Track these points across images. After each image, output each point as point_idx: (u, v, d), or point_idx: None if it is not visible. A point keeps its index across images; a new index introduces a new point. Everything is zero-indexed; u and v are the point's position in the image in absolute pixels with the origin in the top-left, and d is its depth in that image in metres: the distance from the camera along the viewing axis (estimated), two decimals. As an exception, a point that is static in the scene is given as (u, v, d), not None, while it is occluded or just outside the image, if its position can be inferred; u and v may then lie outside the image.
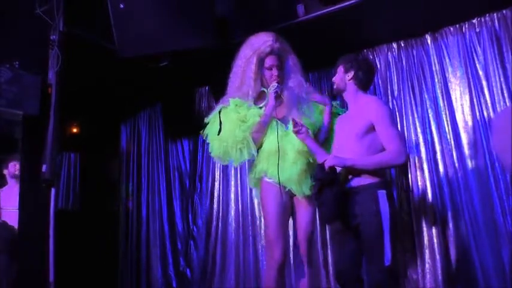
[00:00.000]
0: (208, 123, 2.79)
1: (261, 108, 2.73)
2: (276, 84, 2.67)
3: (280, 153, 2.60)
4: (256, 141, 2.65)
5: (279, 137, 2.62)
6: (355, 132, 2.46)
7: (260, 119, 2.66)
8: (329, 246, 3.81)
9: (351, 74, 2.58)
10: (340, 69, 2.62)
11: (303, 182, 2.63)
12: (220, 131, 2.64)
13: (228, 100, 2.73)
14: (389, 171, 3.62)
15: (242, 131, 2.61)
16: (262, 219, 4.12)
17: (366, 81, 2.63)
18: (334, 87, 2.65)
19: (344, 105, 2.89)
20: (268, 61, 2.73)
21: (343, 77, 2.60)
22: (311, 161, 2.65)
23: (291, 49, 2.84)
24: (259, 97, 2.77)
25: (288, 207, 2.69)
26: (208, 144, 2.75)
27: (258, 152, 2.69)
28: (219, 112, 2.71)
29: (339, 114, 2.85)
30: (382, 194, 2.37)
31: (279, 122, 2.69)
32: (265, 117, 2.67)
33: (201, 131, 2.81)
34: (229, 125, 2.64)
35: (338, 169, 2.44)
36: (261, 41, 2.74)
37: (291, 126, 2.65)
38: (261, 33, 2.82)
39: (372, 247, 2.35)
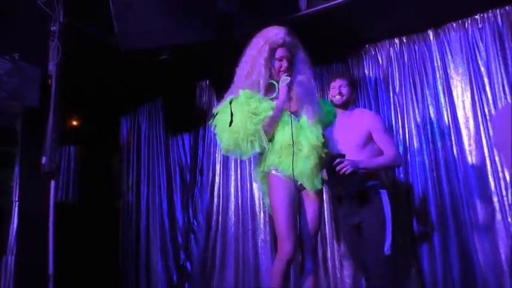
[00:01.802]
0: (217, 113, 2.75)
1: (272, 100, 2.70)
2: (288, 78, 2.66)
3: (294, 146, 2.59)
4: (268, 135, 2.63)
5: (293, 129, 2.61)
6: (355, 144, 2.75)
7: (272, 113, 2.64)
8: (328, 242, 3.82)
9: (354, 95, 2.99)
10: (347, 83, 2.92)
11: (315, 177, 2.63)
12: (231, 122, 2.60)
13: (238, 91, 2.69)
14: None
15: (254, 124, 2.57)
16: (262, 214, 4.17)
17: None
18: (344, 99, 2.91)
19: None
20: (279, 52, 2.73)
21: (350, 95, 2.93)
22: (323, 155, 2.66)
23: (301, 45, 2.84)
24: (268, 89, 2.76)
25: (297, 201, 2.67)
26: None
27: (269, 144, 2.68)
28: (230, 103, 2.67)
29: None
30: (384, 193, 2.71)
31: (291, 116, 2.66)
32: (277, 111, 2.65)
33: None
34: (240, 116, 2.59)
35: None
36: (273, 33, 2.76)
37: (303, 119, 2.69)
38: (273, 26, 2.83)
39: (374, 239, 2.59)
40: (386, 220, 2.62)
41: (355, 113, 2.94)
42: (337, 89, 2.92)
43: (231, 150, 2.67)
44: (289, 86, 2.65)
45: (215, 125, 2.73)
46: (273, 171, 2.66)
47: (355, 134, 2.79)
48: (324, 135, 2.71)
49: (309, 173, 2.60)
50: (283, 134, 2.64)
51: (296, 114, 2.73)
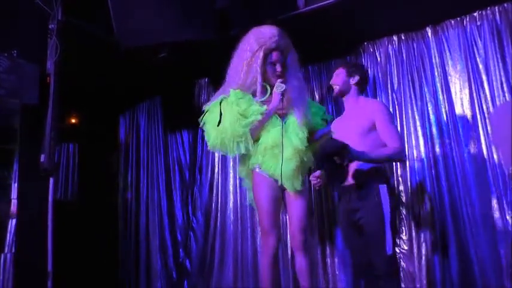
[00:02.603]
0: (207, 111, 2.80)
1: (262, 102, 2.74)
2: (283, 85, 2.69)
3: (277, 148, 2.65)
4: (253, 136, 2.69)
5: (279, 132, 2.66)
6: (357, 131, 2.62)
7: (260, 117, 2.68)
8: (326, 240, 3.82)
9: (356, 78, 2.75)
10: (342, 71, 2.77)
11: (296, 179, 2.68)
12: (220, 122, 2.66)
13: (229, 91, 2.73)
14: (389, 165, 3.63)
15: (242, 126, 2.63)
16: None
17: (365, 85, 2.84)
18: (337, 90, 2.79)
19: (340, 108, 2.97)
20: (273, 56, 2.76)
21: (346, 80, 2.76)
22: (305, 159, 2.70)
23: (292, 45, 2.88)
24: (260, 91, 2.79)
25: (279, 198, 2.75)
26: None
27: (254, 144, 2.72)
28: (220, 102, 2.72)
29: (328, 121, 2.98)
30: (383, 188, 2.56)
31: (279, 118, 2.74)
32: (266, 116, 2.69)
33: (200, 118, 2.83)
34: (229, 117, 2.64)
35: None
36: (267, 36, 2.77)
37: (290, 121, 2.71)
38: (265, 26, 2.85)
39: (375, 237, 2.51)
40: (385, 218, 2.51)
41: (361, 102, 2.78)
42: (333, 80, 2.83)
43: (217, 149, 2.73)
44: (283, 94, 2.68)
45: (204, 123, 2.79)
46: (257, 169, 2.71)
47: (358, 122, 2.66)
48: (308, 139, 2.73)
49: (289, 175, 2.65)
50: (268, 136, 2.70)
51: (284, 115, 2.77)
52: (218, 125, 2.65)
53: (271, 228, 2.65)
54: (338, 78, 2.78)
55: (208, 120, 2.76)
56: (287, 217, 2.86)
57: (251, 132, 2.66)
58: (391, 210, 2.54)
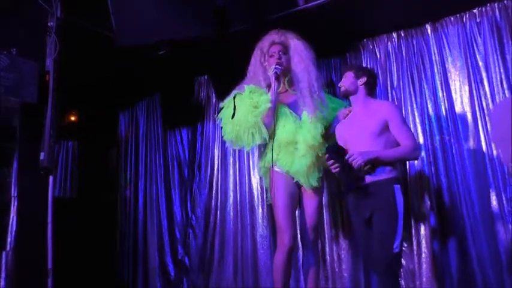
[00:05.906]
0: (223, 107, 2.94)
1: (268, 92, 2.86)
2: (276, 66, 2.80)
3: (291, 145, 2.74)
4: (267, 126, 2.77)
5: (293, 128, 2.77)
6: (370, 132, 2.63)
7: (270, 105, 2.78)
8: (326, 236, 3.83)
9: (363, 79, 2.77)
10: (350, 74, 2.81)
11: (311, 175, 2.75)
12: (234, 115, 2.77)
13: (243, 87, 2.87)
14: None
15: (254, 116, 2.73)
16: (260, 209, 4.19)
17: (374, 87, 2.86)
18: (342, 89, 2.83)
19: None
20: (271, 50, 2.93)
21: (354, 82, 2.79)
22: (320, 154, 2.75)
23: (295, 36, 2.98)
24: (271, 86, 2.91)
25: (296, 195, 2.81)
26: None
27: (269, 140, 2.80)
28: (234, 97, 2.85)
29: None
30: (397, 188, 2.56)
31: (293, 113, 2.83)
32: (271, 102, 2.78)
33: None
34: (242, 110, 2.77)
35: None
36: (265, 37, 2.99)
37: (304, 116, 2.78)
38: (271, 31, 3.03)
39: (385, 235, 2.50)
40: (398, 218, 2.51)
41: (370, 103, 2.77)
42: (341, 81, 2.85)
43: (234, 142, 2.83)
44: (277, 74, 2.79)
45: (220, 119, 2.93)
46: (274, 167, 2.76)
47: (369, 122, 2.65)
48: (323, 135, 2.80)
49: (304, 171, 2.72)
50: (282, 131, 2.76)
51: (297, 108, 2.83)
52: (232, 118, 2.76)
53: (287, 226, 2.69)
54: (346, 79, 2.81)
55: (224, 116, 2.88)
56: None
57: (264, 122, 2.74)
58: (404, 211, 2.54)
